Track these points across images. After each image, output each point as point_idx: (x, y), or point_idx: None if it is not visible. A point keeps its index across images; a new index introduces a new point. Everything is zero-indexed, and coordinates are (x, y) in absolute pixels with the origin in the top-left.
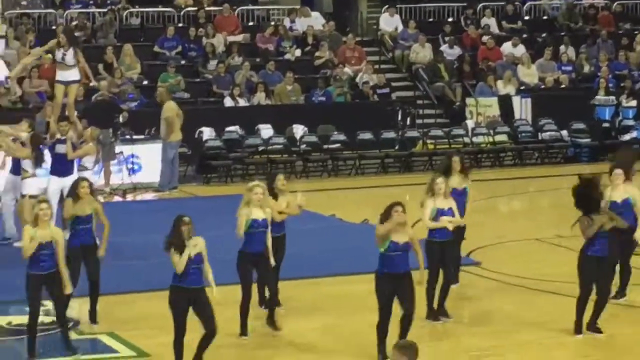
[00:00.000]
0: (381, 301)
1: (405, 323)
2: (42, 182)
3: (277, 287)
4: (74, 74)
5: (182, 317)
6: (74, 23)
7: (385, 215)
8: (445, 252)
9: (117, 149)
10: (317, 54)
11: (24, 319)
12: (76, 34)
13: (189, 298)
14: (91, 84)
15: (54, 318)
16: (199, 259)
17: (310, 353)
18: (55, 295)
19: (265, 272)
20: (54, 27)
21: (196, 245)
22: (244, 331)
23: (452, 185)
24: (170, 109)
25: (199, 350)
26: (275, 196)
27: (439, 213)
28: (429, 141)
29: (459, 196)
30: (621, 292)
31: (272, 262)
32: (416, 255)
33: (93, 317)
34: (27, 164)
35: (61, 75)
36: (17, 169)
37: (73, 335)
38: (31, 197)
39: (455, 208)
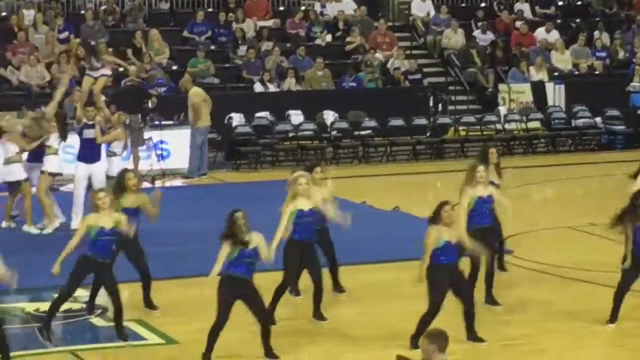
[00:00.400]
0: (436, 293)
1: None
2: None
3: (322, 276)
4: (103, 70)
5: (228, 307)
6: (103, 8)
7: (435, 216)
8: (487, 238)
9: (146, 134)
10: (348, 39)
11: None
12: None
13: (239, 289)
14: (120, 69)
15: (83, 305)
16: (252, 253)
17: (344, 340)
18: (105, 285)
19: (311, 261)
20: (82, 12)
21: (253, 240)
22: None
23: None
24: (197, 94)
25: (265, 342)
26: None
27: (479, 201)
28: (460, 128)
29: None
30: None
31: None
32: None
33: (149, 303)
34: (52, 140)
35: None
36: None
37: (101, 322)
38: (50, 174)
39: (495, 195)
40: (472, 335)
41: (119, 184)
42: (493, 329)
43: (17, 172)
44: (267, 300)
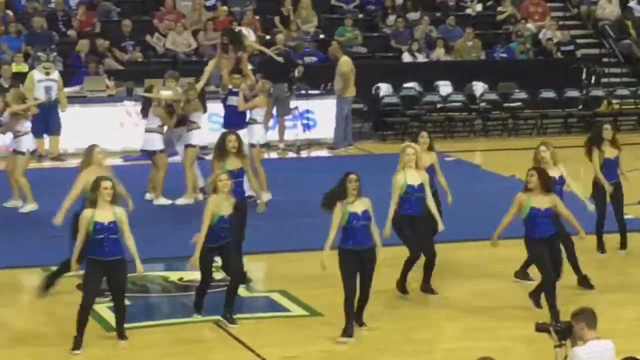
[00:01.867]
0: (542, 262)
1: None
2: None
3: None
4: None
5: (352, 277)
6: None
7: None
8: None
9: (292, 104)
10: (499, 9)
11: (195, 275)
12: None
13: (358, 259)
14: (267, 38)
15: (225, 275)
16: (366, 216)
17: (466, 314)
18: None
19: (421, 233)
20: None
21: (363, 203)
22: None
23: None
24: (346, 63)
25: (359, 312)
26: None
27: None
28: (614, 101)
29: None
30: None
31: (441, 226)
32: (569, 221)
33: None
34: (195, 116)
35: None
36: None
37: (245, 293)
38: (194, 146)
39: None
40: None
41: (219, 148)
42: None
43: (154, 142)
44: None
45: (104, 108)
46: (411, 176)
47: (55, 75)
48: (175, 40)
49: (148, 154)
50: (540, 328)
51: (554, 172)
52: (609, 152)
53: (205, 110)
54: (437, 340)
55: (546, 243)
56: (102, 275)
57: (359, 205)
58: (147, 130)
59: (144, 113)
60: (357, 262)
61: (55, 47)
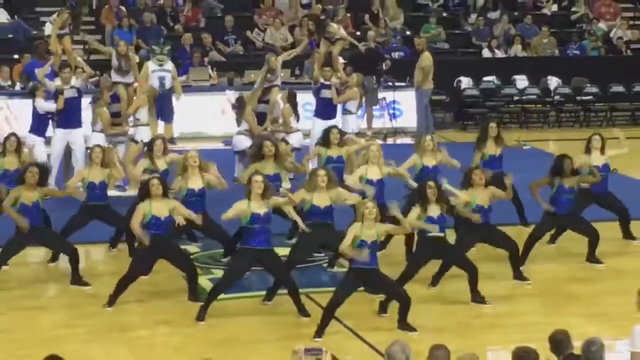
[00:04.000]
0: None
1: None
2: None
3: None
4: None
5: (420, 267)
6: None
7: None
8: None
9: (380, 95)
10: (573, 9)
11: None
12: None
13: (435, 248)
14: (357, 34)
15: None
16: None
17: None
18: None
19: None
20: None
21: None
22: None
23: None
24: (428, 58)
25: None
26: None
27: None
28: None
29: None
30: None
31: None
32: None
33: None
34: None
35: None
36: None
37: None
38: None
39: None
40: None
41: (256, 152)
42: None
43: (242, 142)
44: None
45: (207, 96)
46: (372, 171)
47: (169, 66)
48: (273, 35)
49: (240, 155)
50: None
51: (600, 160)
52: (492, 150)
53: (297, 118)
54: None
55: None
56: (250, 265)
57: None
58: (239, 133)
59: (238, 117)
60: (432, 253)
61: (164, 40)
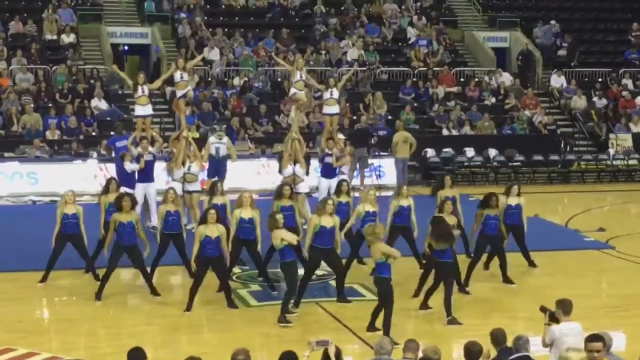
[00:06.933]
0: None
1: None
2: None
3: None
4: (336, 109)
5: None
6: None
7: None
8: None
9: (370, 161)
10: (506, 101)
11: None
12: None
13: (448, 270)
14: (354, 117)
15: (325, 272)
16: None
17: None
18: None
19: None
20: None
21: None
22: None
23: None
24: (397, 135)
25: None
26: None
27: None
28: (582, 163)
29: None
30: None
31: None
32: None
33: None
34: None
35: (327, 109)
36: None
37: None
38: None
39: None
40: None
41: (278, 193)
42: None
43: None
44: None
45: (246, 161)
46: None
47: (225, 140)
48: (293, 119)
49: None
50: (542, 309)
51: (515, 201)
52: (449, 193)
53: (307, 172)
54: None
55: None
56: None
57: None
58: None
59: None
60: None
61: (217, 122)
